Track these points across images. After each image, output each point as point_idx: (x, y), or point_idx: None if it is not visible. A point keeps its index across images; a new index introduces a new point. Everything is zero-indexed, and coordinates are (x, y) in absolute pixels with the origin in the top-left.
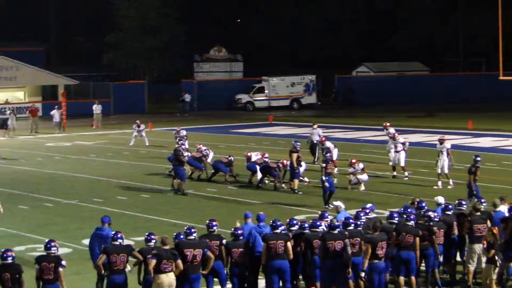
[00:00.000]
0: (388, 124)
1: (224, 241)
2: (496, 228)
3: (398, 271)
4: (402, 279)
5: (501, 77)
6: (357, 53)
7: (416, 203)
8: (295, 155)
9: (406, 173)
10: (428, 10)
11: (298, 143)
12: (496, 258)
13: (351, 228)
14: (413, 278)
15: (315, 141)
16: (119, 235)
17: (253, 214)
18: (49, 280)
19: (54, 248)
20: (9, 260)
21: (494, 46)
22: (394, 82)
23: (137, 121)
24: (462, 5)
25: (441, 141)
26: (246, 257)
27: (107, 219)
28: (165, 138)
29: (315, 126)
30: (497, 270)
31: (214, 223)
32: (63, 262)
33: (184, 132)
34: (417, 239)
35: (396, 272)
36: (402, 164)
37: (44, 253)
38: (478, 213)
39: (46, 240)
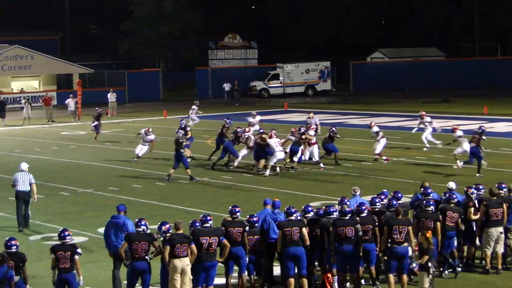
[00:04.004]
0: (423, 113)
1: (247, 228)
2: (429, 232)
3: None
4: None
5: None
6: (372, 39)
7: (422, 188)
8: (266, 137)
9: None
10: None
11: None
12: (429, 265)
13: (363, 215)
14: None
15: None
16: (142, 222)
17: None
18: (65, 268)
19: (69, 237)
20: (13, 249)
21: (509, 31)
22: (409, 68)
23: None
24: None
25: (454, 130)
26: (262, 243)
27: (123, 207)
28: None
29: (311, 114)
30: (430, 277)
31: (237, 209)
32: (79, 250)
33: (258, 118)
34: (438, 224)
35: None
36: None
37: (59, 242)
38: (494, 198)
39: (60, 229)
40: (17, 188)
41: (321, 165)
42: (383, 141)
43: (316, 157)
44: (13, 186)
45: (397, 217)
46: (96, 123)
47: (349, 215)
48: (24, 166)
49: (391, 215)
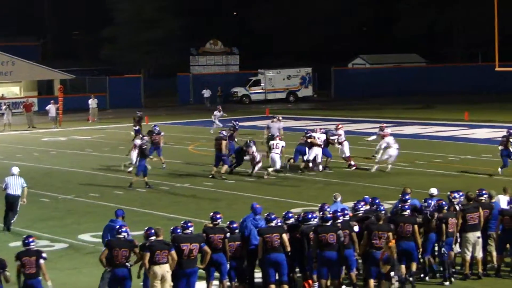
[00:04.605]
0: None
1: (228, 235)
2: (393, 241)
3: (399, 261)
4: (403, 267)
5: (497, 68)
6: (354, 45)
7: (401, 194)
8: (224, 143)
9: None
10: (426, 1)
11: (224, 132)
12: (392, 274)
13: (339, 221)
14: (414, 264)
15: (275, 135)
16: (123, 229)
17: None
18: (31, 274)
19: (33, 243)
20: None
21: (490, 38)
22: (390, 74)
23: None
24: None
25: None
26: (244, 250)
27: (121, 212)
28: (163, 132)
29: (276, 119)
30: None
31: (218, 216)
32: (44, 255)
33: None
34: (415, 227)
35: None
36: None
37: (24, 249)
38: (471, 202)
39: (24, 237)
40: (7, 191)
41: (320, 167)
42: (346, 144)
43: (319, 159)
44: (4, 190)
45: (378, 223)
46: (137, 127)
47: (331, 221)
48: (15, 170)
49: (372, 220)
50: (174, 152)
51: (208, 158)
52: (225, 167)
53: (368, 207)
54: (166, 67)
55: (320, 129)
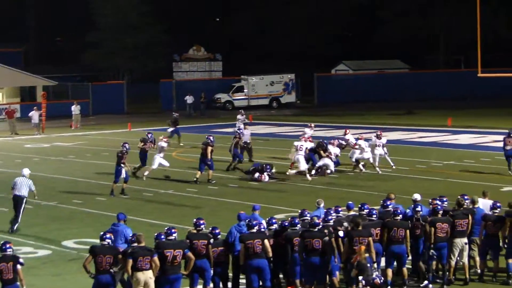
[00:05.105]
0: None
1: (211, 240)
2: (363, 247)
3: (388, 264)
4: (390, 271)
5: (479, 74)
6: (337, 51)
7: (382, 200)
8: (209, 148)
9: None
10: (409, 8)
11: (211, 137)
12: (360, 278)
13: (319, 227)
14: (404, 269)
15: (248, 141)
16: (107, 235)
17: (235, 214)
18: (9, 280)
19: (10, 249)
20: None
21: (472, 44)
22: (373, 80)
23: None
24: (441, 4)
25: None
26: (227, 255)
27: (123, 216)
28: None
29: (246, 126)
30: None
31: (201, 222)
32: (21, 260)
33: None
34: (407, 232)
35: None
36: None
37: (0, 255)
38: (461, 209)
39: (1, 243)
40: (13, 192)
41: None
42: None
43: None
44: (12, 190)
45: (357, 229)
46: (172, 129)
47: (318, 227)
48: (26, 172)
49: (352, 226)
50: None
51: (192, 164)
52: (211, 172)
53: (351, 212)
54: (149, 73)
55: (338, 140)
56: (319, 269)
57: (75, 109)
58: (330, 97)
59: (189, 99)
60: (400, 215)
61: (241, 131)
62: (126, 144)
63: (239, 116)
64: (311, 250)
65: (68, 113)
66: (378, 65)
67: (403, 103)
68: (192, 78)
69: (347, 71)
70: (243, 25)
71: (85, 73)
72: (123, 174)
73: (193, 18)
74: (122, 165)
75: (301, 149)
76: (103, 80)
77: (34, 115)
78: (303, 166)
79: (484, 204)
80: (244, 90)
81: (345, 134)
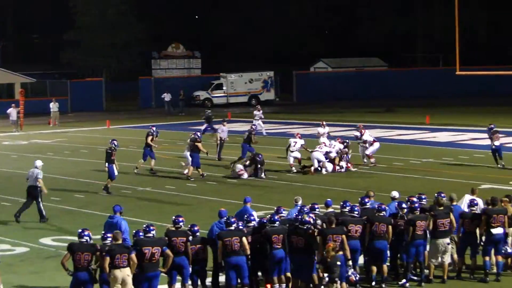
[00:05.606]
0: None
1: (190, 238)
2: (331, 244)
3: (371, 260)
4: (374, 268)
5: (458, 72)
6: (316, 49)
7: (361, 198)
8: (199, 145)
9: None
10: (388, 6)
11: (198, 133)
12: (324, 275)
13: (276, 225)
14: (385, 266)
15: (224, 138)
16: (85, 233)
17: (214, 211)
18: None
19: None
20: None
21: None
22: (352, 78)
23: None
24: (420, 2)
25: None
26: (206, 253)
27: (118, 208)
28: (125, 135)
29: (225, 123)
30: None
31: (180, 219)
32: None
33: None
34: (390, 227)
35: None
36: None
37: None
38: (441, 208)
39: None
40: (28, 183)
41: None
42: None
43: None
44: (27, 180)
45: (331, 227)
46: (205, 125)
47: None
48: (38, 163)
49: (325, 224)
50: (136, 155)
51: (171, 162)
52: (191, 168)
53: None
54: (128, 71)
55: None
56: (303, 266)
57: (54, 106)
58: (309, 94)
59: (167, 96)
60: (384, 211)
61: (255, 126)
62: (115, 141)
63: (255, 112)
64: (296, 247)
65: (46, 110)
66: (357, 63)
67: (381, 100)
68: (171, 76)
69: (326, 69)
70: (222, 23)
71: (63, 71)
72: (116, 172)
73: (172, 15)
74: (112, 163)
75: (320, 148)
76: (81, 78)
77: (12, 112)
78: (317, 163)
79: (467, 201)
80: (223, 88)
81: (361, 133)
